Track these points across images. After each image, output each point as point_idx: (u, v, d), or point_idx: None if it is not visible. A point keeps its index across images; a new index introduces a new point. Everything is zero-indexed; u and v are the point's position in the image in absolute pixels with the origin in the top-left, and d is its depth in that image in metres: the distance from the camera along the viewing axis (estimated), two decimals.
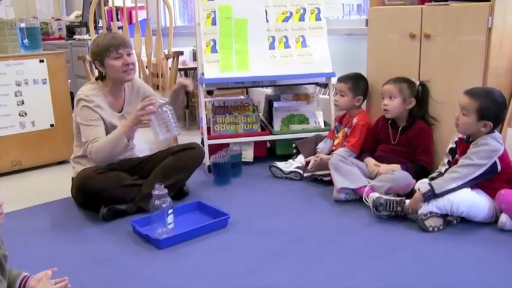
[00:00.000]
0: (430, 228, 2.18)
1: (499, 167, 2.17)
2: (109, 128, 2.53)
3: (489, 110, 2.16)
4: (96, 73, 2.66)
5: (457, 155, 2.32)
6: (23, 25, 3.30)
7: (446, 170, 2.29)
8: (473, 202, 2.17)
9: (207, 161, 3.06)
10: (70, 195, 2.64)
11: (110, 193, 2.43)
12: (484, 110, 2.16)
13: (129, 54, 2.53)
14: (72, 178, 2.61)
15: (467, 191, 2.17)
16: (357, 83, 2.92)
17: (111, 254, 2.11)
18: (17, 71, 3.23)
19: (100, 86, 2.59)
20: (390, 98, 2.64)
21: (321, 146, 3.01)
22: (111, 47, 2.47)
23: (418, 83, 2.67)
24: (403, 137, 2.66)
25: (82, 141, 2.51)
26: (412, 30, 2.67)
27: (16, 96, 3.25)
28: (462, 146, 2.30)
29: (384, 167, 2.59)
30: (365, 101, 3.01)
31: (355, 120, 2.88)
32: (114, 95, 2.61)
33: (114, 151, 2.47)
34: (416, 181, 2.45)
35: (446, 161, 2.39)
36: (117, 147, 2.47)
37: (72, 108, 4.72)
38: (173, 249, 2.12)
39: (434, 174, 2.38)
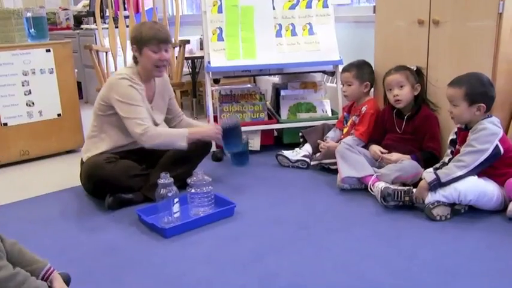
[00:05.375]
0: (438, 217, 2.16)
1: (502, 150, 2.15)
2: None
3: (476, 92, 2.16)
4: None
5: (457, 145, 2.30)
6: (29, 15, 3.29)
7: (449, 160, 2.27)
8: (481, 190, 2.14)
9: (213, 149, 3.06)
10: (77, 184, 2.65)
11: (118, 182, 2.43)
12: (471, 93, 2.16)
13: (166, 51, 2.54)
14: (82, 162, 2.61)
15: (473, 178, 2.15)
16: (361, 69, 2.89)
17: (118, 242, 2.11)
18: (23, 60, 3.23)
19: (136, 70, 2.59)
20: (400, 87, 2.61)
21: (331, 135, 3.00)
22: (154, 39, 2.48)
23: (414, 67, 2.64)
24: (409, 125, 2.63)
25: (124, 116, 2.45)
26: (421, 16, 2.63)
27: (23, 86, 3.26)
28: (461, 135, 2.28)
29: (395, 155, 2.55)
30: (372, 90, 2.98)
31: (364, 108, 2.85)
32: (145, 82, 2.61)
33: (170, 145, 2.49)
34: (425, 169, 2.43)
35: (449, 151, 2.37)
36: (174, 144, 2.48)
37: (80, 98, 4.74)
38: (179, 238, 2.12)
39: (438, 165, 2.36)
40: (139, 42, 2.51)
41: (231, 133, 2.67)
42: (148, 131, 2.43)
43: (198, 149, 2.65)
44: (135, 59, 2.59)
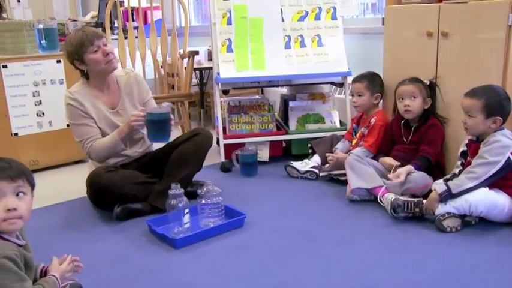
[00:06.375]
0: (448, 229, 2.15)
1: None
2: (101, 124, 2.53)
3: (494, 104, 2.16)
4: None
5: (468, 157, 2.30)
6: (40, 26, 3.33)
7: (460, 172, 2.27)
8: (492, 201, 2.13)
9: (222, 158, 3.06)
10: (86, 194, 2.66)
11: (120, 190, 2.42)
12: (490, 105, 2.15)
13: (105, 45, 2.48)
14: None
15: (484, 190, 2.14)
16: (373, 80, 2.90)
17: (127, 253, 2.12)
18: (34, 71, 3.27)
19: (85, 83, 2.57)
20: (412, 98, 2.61)
21: (339, 146, 3.00)
22: (86, 41, 2.43)
23: (428, 82, 2.64)
24: (416, 136, 2.63)
25: (75, 140, 2.52)
26: (429, 28, 2.64)
27: (34, 96, 3.29)
28: (473, 147, 2.28)
29: (403, 173, 2.45)
30: (381, 101, 2.98)
31: (373, 120, 2.85)
32: (102, 90, 2.58)
33: (113, 153, 2.51)
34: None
35: (459, 163, 2.37)
36: (115, 151, 2.50)
37: None
38: (189, 248, 2.12)
39: (448, 176, 2.35)
40: (76, 53, 2.46)
41: (157, 123, 2.38)
42: (91, 151, 2.49)
43: (200, 145, 2.61)
44: (83, 73, 2.55)
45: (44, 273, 1.62)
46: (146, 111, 2.37)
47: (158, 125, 2.34)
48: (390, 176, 2.46)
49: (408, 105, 2.60)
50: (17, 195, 1.42)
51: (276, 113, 3.51)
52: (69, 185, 3.06)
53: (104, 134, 2.52)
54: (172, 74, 4.02)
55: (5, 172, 1.40)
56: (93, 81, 2.55)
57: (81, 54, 2.45)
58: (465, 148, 2.35)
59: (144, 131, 2.38)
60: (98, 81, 2.55)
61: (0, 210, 1.38)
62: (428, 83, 2.63)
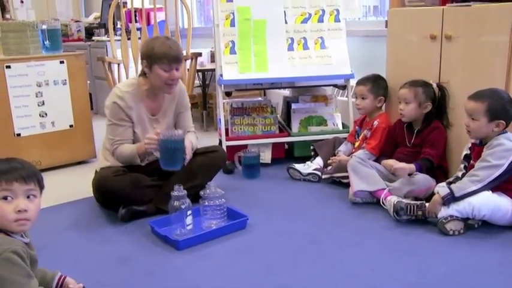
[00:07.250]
0: (451, 232, 2.15)
1: None
2: (137, 129, 2.54)
3: (498, 108, 2.15)
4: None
5: (471, 161, 2.30)
6: (44, 27, 3.34)
7: (463, 175, 2.27)
8: (495, 205, 2.13)
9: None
10: (89, 195, 2.65)
11: (128, 194, 2.44)
12: (493, 109, 2.15)
13: (177, 69, 2.48)
14: (96, 171, 2.63)
15: (488, 193, 2.14)
16: (377, 84, 2.90)
17: (130, 254, 2.12)
18: (38, 72, 3.27)
19: (140, 83, 2.56)
20: (406, 103, 2.61)
21: (342, 148, 2.99)
22: (165, 59, 2.42)
23: (435, 84, 2.64)
24: (418, 139, 2.63)
25: (108, 136, 2.54)
26: (433, 31, 2.64)
27: (37, 97, 3.29)
28: (476, 151, 2.28)
29: (399, 164, 2.49)
30: (385, 103, 2.98)
31: (376, 122, 2.85)
32: (150, 97, 2.58)
33: (129, 162, 2.51)
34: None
35: (462, 166, 2.37)
36: (131, 161, 2.50)
37: (92, 108, 4.77)
38: (192, 250, 2.12)
39: (451, 179, 2.36)
40: (149, 58, 2.46)
41: (167, 150, 2.34)
42: (115, 152, 2.51)
43: (213, 162, 2.66)
44: (144, 73, 2.56)
45: (61, 284, 1.62)
46: (160, 135, 2.34)
47: (168, 151, 2.33)
48: (394, 166, 2.48)
49: (401, 109, 2.63)
50: (28, 197, 1.45)
51: (278, 115, 3.52)
52: (72, 185, 3.06)
53: (135, 139, 2.55)
54: None
55: (18, 172, 1.43)
56: (149, 84, 2.55)
57: (152, 62, 2.45)
58: (468, 151, 2.35)
59: (158, 154, 2.38)
60: (152, 87, 2.55)
61: (11, 211, 1.41)
62: (435, 85, 2.62)
